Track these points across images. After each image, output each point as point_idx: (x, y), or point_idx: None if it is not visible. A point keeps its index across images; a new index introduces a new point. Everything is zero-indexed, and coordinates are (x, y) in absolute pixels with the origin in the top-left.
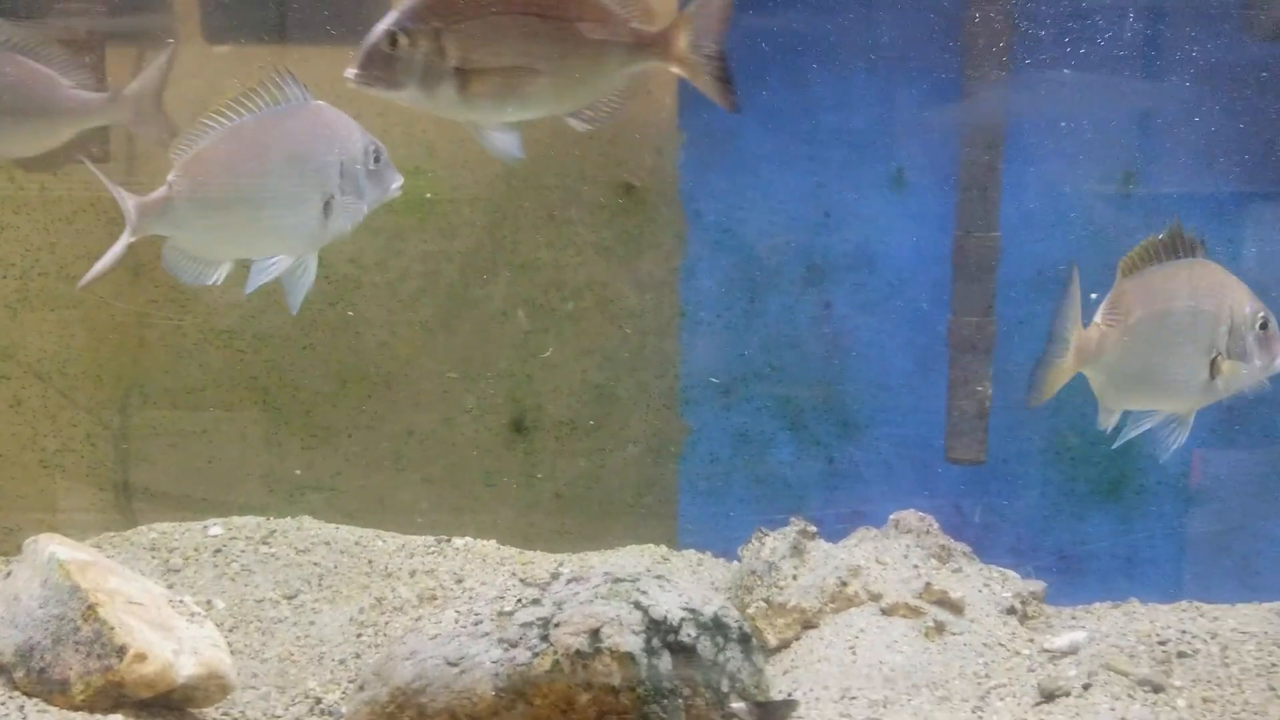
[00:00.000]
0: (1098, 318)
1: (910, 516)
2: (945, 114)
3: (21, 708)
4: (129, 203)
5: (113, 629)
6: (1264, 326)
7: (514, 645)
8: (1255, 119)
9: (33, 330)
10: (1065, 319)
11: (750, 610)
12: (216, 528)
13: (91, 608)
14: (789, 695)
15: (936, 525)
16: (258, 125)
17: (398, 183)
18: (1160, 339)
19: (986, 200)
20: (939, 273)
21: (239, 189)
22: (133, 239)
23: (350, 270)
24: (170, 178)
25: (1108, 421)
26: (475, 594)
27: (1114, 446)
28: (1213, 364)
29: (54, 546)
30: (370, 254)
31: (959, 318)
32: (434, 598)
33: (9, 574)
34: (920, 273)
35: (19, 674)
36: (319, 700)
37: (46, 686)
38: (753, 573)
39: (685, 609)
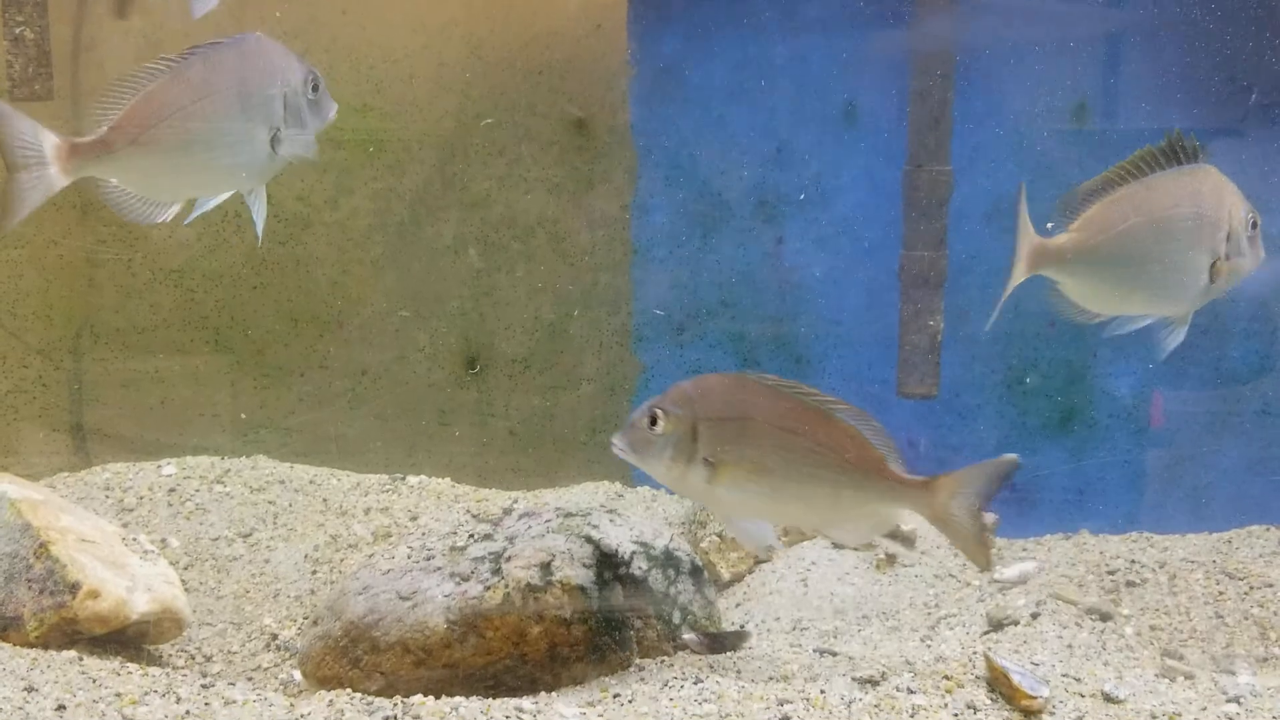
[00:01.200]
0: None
1: None
2: (896, 46)
3: None
4: (60, 145)
5: (65, 566)
6: (1255, 226)
7: (466, 579)
8: (1211, 51)
9: None
10: (1020, 229)
11: (703, 545)
12: (170, 467)
13: (43, 545)
14: (741, 627)
15: None
16: (199, 65)
17: (333, 110)
18: (1161, 244)
19: (938, 133)
20: (891, 207)
21: (184, 130)
22: (66, 181)
23: (300, 209)
24: (108, 123)
25: (1084, 319)
26: (428, 529)
27: (1106, 335)
28: (1211, 267)
29: (4, 485)
30: (320, 192)
31: (910, 252)
32: (389, 535)
33: None
34: (872, 207)
35: None
36: (275, 636)
37: (0, 623)
38: (705, 508)
39: (636, 543)
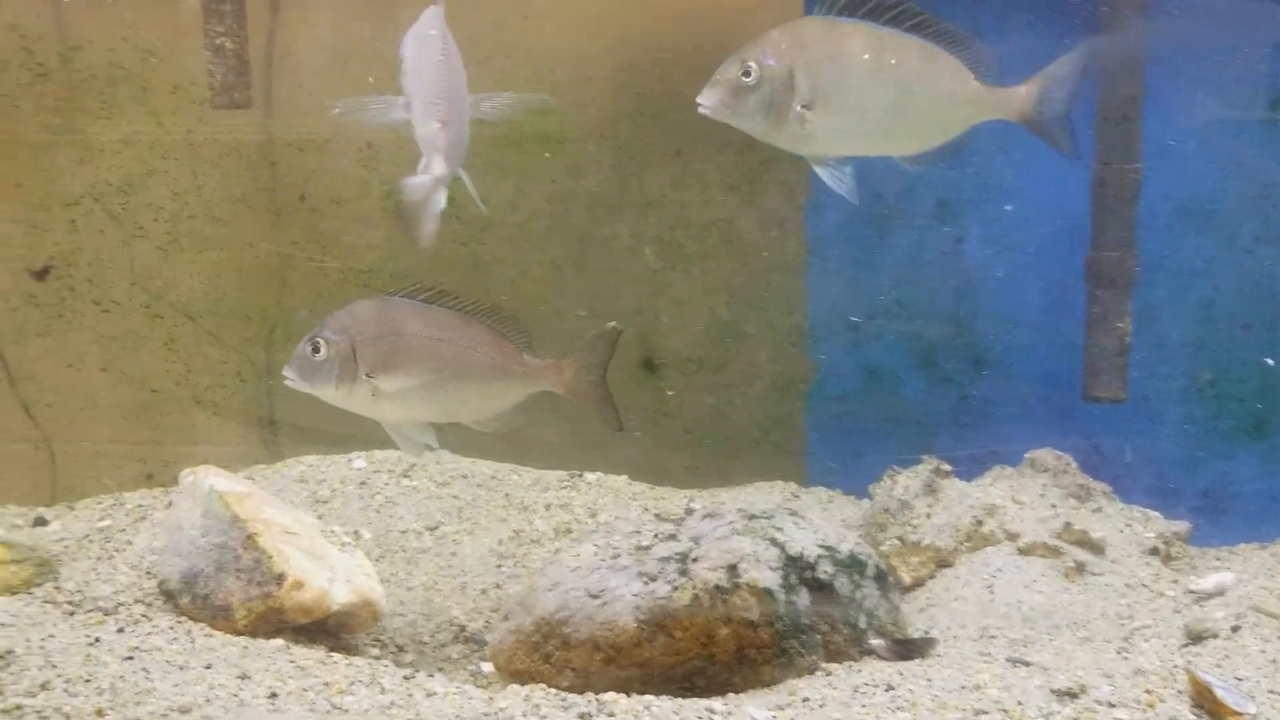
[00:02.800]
0: None
1: (1046, 455)
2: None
3: (189, 632)
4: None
5: (271, 557)
6: None
7: (653, 579)
8: None
9: (183, 271)
10: None
11: (884, 548)
12: (360, 461)
13: (251, 537)
14: (927, 633)
15: (1074, 464)
16: None
17: None
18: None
19: (1126, 130)
20: (1075, 206)
21: None
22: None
23: (479, 212)
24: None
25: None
26: (611, 528)
27: None
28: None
29: (213, 478)
30: (500, 194)
31: (1098, 252)
32: (569, 531)
33: (170, 504)
34: (1055, 206)
35: (184, 600)
36: (463, 628)
37: (210, 612)
38: (885, 511)
39: (821, 546)
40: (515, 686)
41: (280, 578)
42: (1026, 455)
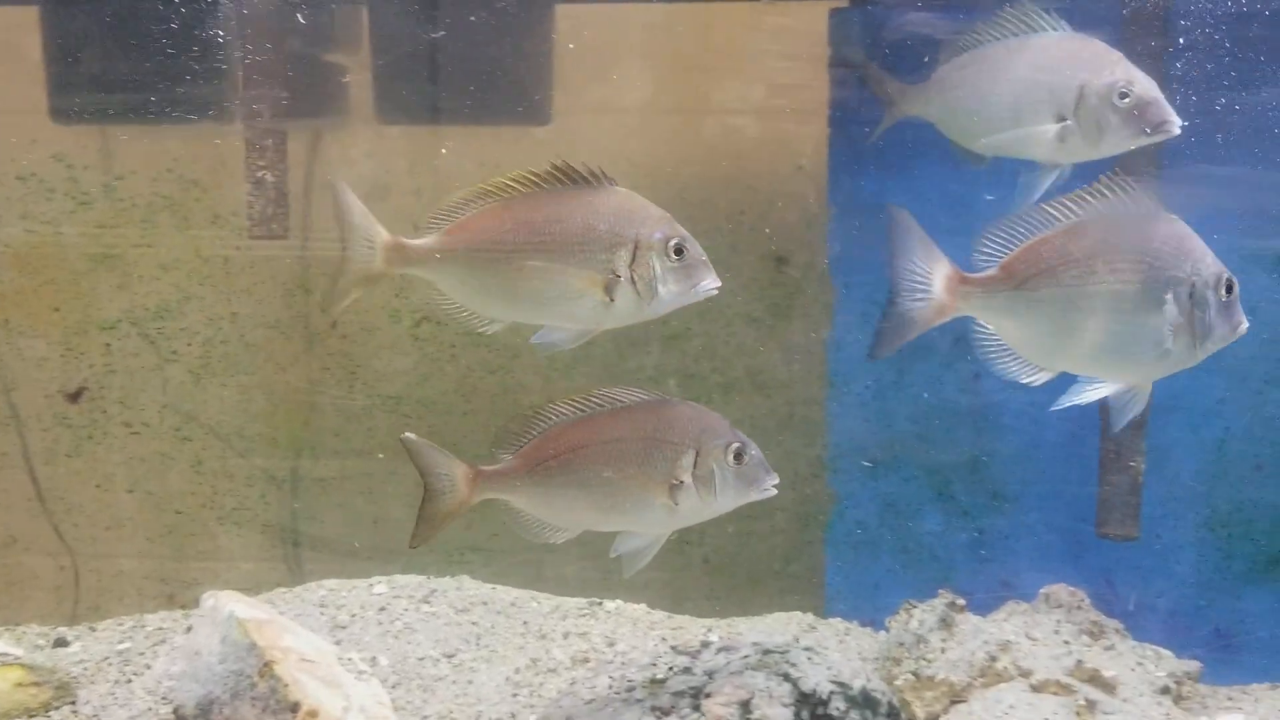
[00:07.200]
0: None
1: (1061, 591)
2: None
3: None
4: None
5: (286, 686)
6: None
7: (666, 713)
8: None
9: (214, 395)
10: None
11: (898, 682)
12: (381, 586)
13: (268, 665)
14: None
15: (1088, 601)
16: None
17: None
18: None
19: None
20: None
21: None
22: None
23: (510, 339)
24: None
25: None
26: (628, 660)
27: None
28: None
29: (233, 605)
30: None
31: None
32: (587, 660)
33: (189, 629)
34: None
35: None
36: None
37: None
38: (900, 644)
39: (834, 682)
40: None
41: (295, 706)
42: (1041, 590)
